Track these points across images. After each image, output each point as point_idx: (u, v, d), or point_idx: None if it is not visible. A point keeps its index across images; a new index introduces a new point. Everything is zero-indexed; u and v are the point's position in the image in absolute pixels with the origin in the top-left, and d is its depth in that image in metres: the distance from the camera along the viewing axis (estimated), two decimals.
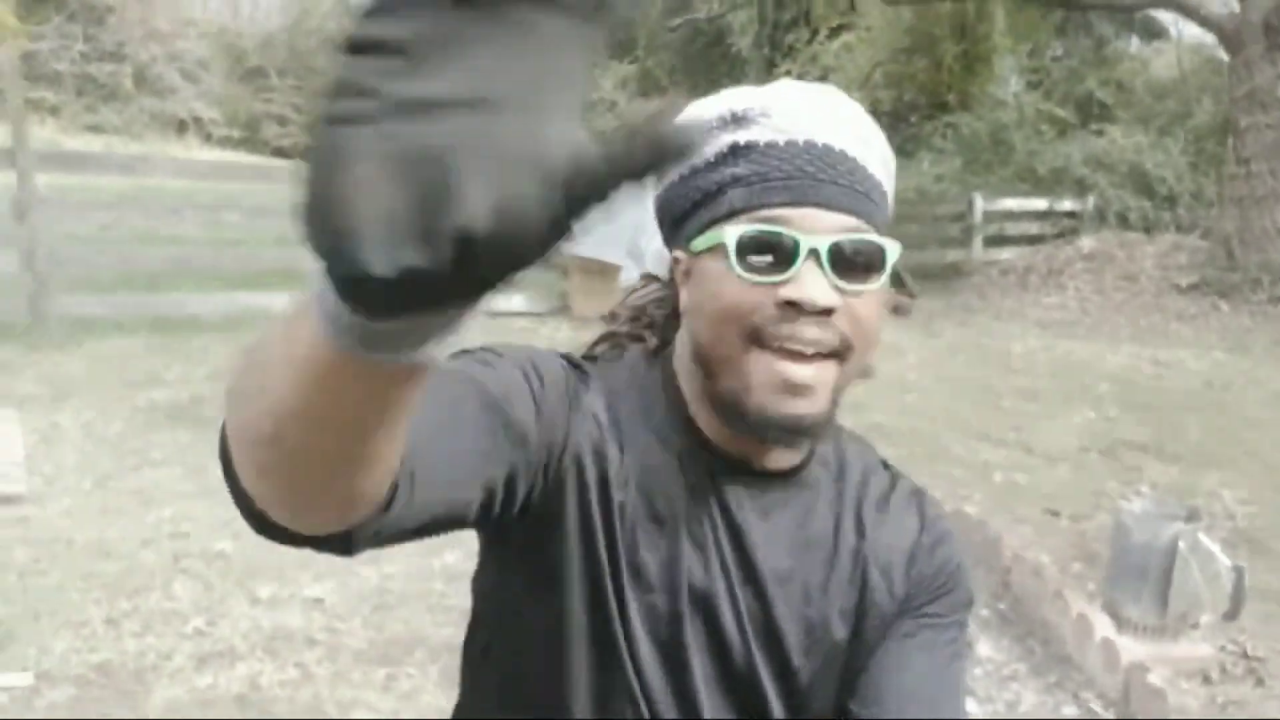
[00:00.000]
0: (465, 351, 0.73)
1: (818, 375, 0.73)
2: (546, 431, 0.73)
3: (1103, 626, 2.81)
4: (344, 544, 0.55)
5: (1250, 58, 9.06)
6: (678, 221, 0.80)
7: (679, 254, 0.81)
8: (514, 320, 8.30)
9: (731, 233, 0.74)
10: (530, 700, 0.81)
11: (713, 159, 0.76)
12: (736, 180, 0.75)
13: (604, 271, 7.30)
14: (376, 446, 0.46)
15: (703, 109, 0.78)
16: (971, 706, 2.73)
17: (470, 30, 0.31)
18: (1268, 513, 3.91)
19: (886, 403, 5.12)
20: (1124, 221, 10.59)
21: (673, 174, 0.78)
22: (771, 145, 0.74)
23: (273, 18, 22.45)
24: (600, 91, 20.24)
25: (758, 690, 0.81)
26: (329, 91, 0.31)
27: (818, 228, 0.73)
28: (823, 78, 11.96)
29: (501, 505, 0.71)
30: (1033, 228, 10.94)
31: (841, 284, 0.73)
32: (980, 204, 10.76)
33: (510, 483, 0.71)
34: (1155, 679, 2.49)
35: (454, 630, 2.84)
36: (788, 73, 12.85)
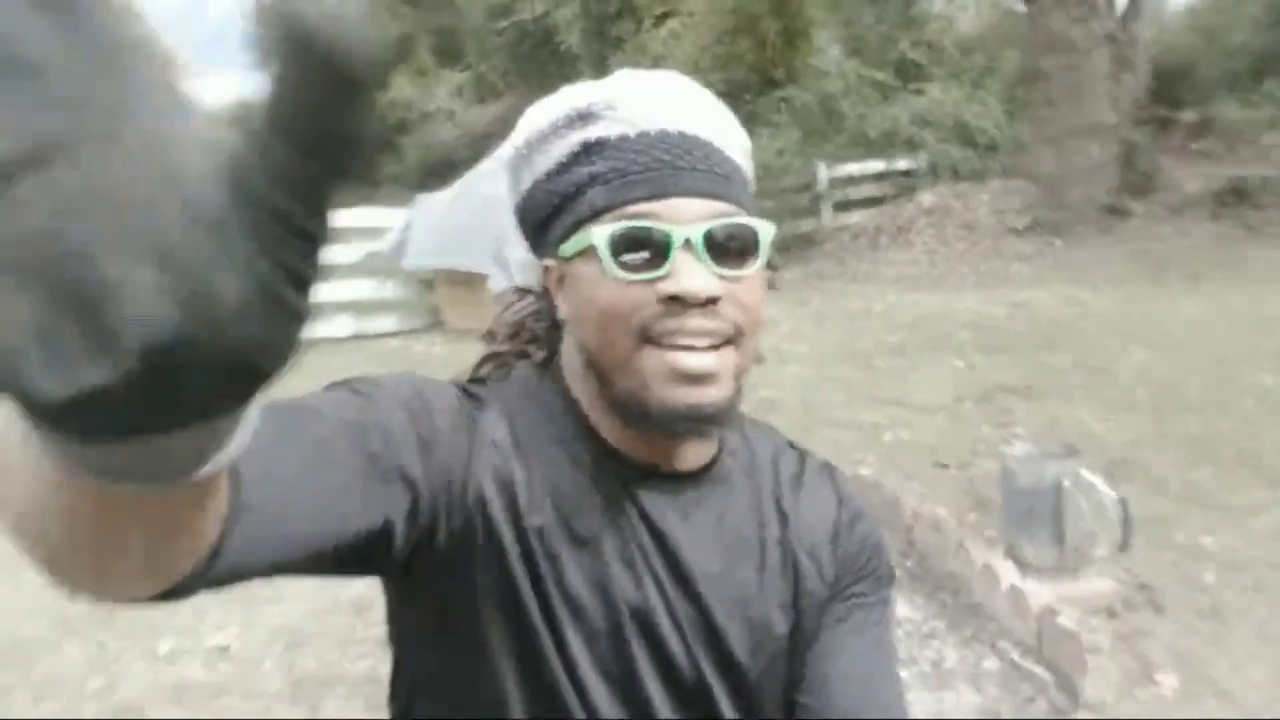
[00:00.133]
0: (342, 383, 0.69)
1: (719, 362, 0.71)
2: (439, 469, 0.69)
3: (1008, 574, 2.87)
4: (172, 597, 0.49)
5: (1045, 6, 9.66)
6: (540, 228, 0.78)
7: (549, 261, 0.78)
8: (385, 341, 7.97)
9: (599, 233, 0.71)
10: None
11: (565, 159, 0.74)
12: (594, 179, 0.72)
13: (470, 281, 7.15)
14: (172, 543, 0.41)
15: (544, 110, 0.76)
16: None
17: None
18: (1136, 437, 4.11)
19: (771, 377, 5.15)
20: (955, 174, 11.13)
21: (527, 180, 0.77)
22: (624, 139, 0.72)
23: None
24: (436, 101, 19.80)
25: (709, 698, 0.78)
26: None
27: (686, 217, 0.71)
28: (653, 66, 11.95)
29: (386, 548, 0.66)
30: (875, 190, 11.37)
31: (721, 271, 0.71)
32: (824, 172, 11.10)
33: (389, 524, 0.65)
34: (1066, 620, 2.55)
35: (372, 662, 2.73)
36: (619, 65, 12.85)
